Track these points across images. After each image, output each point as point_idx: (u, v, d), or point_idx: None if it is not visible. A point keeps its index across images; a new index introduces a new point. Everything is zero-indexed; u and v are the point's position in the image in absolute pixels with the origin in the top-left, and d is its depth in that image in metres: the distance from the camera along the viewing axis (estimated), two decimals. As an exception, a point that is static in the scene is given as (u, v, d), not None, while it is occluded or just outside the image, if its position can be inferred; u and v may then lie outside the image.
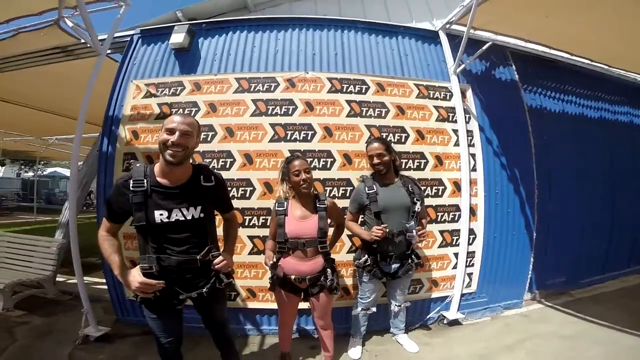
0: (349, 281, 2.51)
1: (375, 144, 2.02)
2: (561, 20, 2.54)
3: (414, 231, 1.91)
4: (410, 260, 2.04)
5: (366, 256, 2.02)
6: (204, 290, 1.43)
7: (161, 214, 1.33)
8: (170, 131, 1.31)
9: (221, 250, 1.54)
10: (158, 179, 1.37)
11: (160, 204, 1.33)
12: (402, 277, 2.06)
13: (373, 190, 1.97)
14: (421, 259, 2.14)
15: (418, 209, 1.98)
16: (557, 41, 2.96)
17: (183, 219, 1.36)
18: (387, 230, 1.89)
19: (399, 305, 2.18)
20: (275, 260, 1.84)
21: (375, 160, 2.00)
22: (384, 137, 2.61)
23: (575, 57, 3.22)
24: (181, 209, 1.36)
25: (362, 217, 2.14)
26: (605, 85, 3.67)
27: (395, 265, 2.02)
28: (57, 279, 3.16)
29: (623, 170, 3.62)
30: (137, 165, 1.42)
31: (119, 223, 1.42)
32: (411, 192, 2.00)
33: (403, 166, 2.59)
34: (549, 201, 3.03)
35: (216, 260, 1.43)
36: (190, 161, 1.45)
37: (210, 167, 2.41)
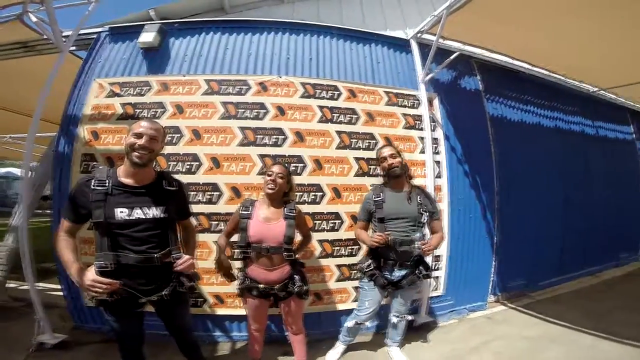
0: (320, 286, 2.50)
1: (385, 148, 2.04)
2: (525, 31, 2.68)
3: (417, 243, 1.88)
4: (417, 271, 1.96)
5: (370, 261, 1.99)
6: (164, 293, 1.43)
7: (122, 212, 1.36)
8: (138, 135, 1.38)
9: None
10: (121, 179, 1.41)
11: (121, 202, 1.37)
12: (405, 288, 1.98)
13: (380, 198, 1.97)
14: (430, 271, 2.04)
15: (425, 220, 1.95)
16: (520, 52, 3.12)
17: (144, 217, 1.39)
18: (390, 238, 1.87)
19: (399, 317, 2.09)
20: (241, 264, 1.83)
21: (390, 161, 1.96)
22: (353, 143, 2.66)
23: (535, 67, 3.41)
24: (142, 207, 1.39)
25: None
26: (561, 96, 3.90)
27: (399, 274, 1.95)
28: (9, 285, 2.97)
29: (575, 177, 3.85)
30: (100, 167, 1.49)
31: (78, 223, 1.42)
32: (420, 203, 1.96)
33: (371, 172, 2.64)
34: (508, 207, 3.17)
35: (179, 261, 1.44)
36: (154, 165, 1.50)
37: (175, 170, 2.42)
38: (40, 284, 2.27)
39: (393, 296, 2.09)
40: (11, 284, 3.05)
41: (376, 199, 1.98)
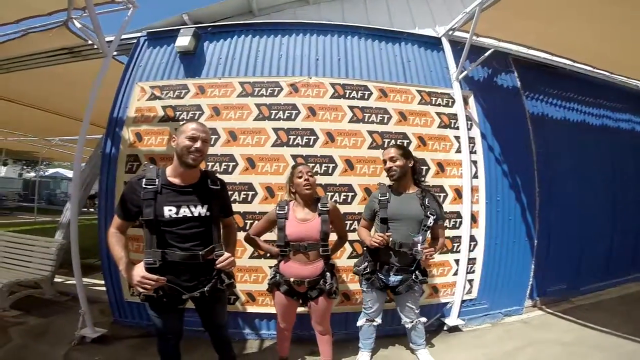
0: (349, 287, 2.50)
1: (391, 149, 1.96)
2: (564, 27, 2.57)
3: (419, 245, 1.79)
4: (414, 277, 1.90)
5: (366, 263, 1.97)
6: (206, 289, 1.47)
7: (170, 210, 1.41)
8: (193, 139, 1.44)
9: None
10: (170, 178, 1.48)
11: (169, 200, 1.42)
12: (404, 294, 1.92)
13: (385, 197, 1.93)
14: (427, 277, 1.98)
15: (430, 223, 1.86)
16: (559, 48, 2.98)
17: (190, 215, 1.44)
18: (390, 239, 1.83)
19: (410, 322, 2.03)
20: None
21: (388, 164, 1.92)
22: (386, 143, 2.63)
23: (577, 64, 3.24)
24: (189, 205, 1.44)
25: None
26: (607, 93, 3.68)
27: (395, 279, 1.90)
28: (55, 279, 3.16)
29: (625, 178, 3.63)
30: (150, 167, 1.52)
31: (130, 221, 1.48)
32: (426, 206, 1.87)
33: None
34: (550, 208, 3.03)
35: (221, 258, 1.48)
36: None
37: (213, 170, 2.49)
38: (84, 279, 2.38)
39: (397, 302, 2.05)
40: (58, 279, 3.25)
41: (381, 199, 1.93)
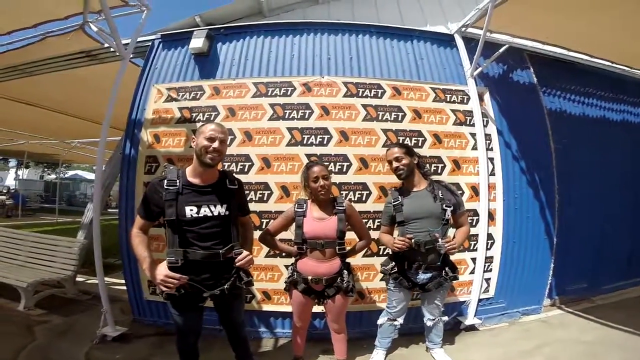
0: (364, 285, 2.50)
1: (394, 149, 1.96)
2: (580, 21, 2.51)
3: (440, 240, 1.79)
4: (444, 273, 1.89)
5: (393, 263, 1.95)
6: (226, 286, 1.49)
7: (191, 209, 1.44)
8: (211, 139, 1.47)
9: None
10: (190, 179, 1.51)
11: (190, 200, 1.45)
12: (433, 291, 1.92)
13: (398, 201, 1.92)
14: (457, 272, 1.96)
15: (448, 215, 1.86)
16: (576, 43, 2.91)
17: (211, 214, 1.47)
18: (413, 241, 1.81)
19: (433, 319, 2.03)
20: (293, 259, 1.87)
21: (395, 164, 1.93)
22: (402, 141, 2.60)
23: (595, 58, 3.16)
24: (209, 205, 1.47)
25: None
26: (627, 87, 3.58)
27: (425, 276, 1.89)
28: (77, 279, 3.24)
29: None
30: (171, 168, 1.56)
31: (151, 221, 1.52)
32: (441, 198, 1.86)
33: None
34: (569, 206, 2.97)
35: (240, 256, 1.50)
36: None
37: (229, 170, 2.51)
38: (105, 278, 2.44)
39: (423, 299, 2.04)
40: (79, 278, 3.34)
41: (395, 203, 1.92)
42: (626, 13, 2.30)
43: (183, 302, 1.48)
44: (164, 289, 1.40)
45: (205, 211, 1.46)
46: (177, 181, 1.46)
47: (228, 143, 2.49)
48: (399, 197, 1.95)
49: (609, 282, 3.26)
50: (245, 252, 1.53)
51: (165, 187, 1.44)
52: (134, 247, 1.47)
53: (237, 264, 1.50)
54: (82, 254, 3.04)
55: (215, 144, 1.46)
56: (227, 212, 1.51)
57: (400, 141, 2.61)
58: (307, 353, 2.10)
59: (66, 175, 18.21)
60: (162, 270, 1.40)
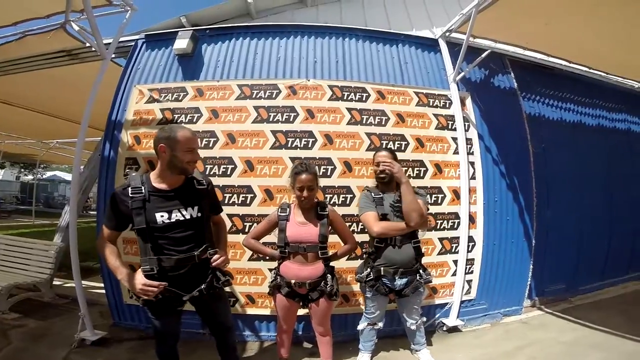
0: (349, 288, 2.50)
1: (383, 152, 1.99)
2: (560, 28, 2.58)
3: (419, 234, 1.89)
4: (418, 276, 1.93)
5: (368, 270, 1.94)
6: (203, 287, 1.48)
7: (162, 216, 1.41)
8: (193, 151, 1.47)
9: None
10: (155, 184, 1.47)
11: (160, 206, 1.42)
12: (410, 296, 1.93)
13: (379, 196, 1.94)
14: (431, 275, 2.01)
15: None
16: (555, 49, 2.99)
17: (183, 218, 1.45)
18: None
19: (415, 322, 2.04)
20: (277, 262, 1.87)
21: (382, 167, 1.92)
22: (385, 145, 2.64)
23: (573, 64, 3.26)
24: (180, 209, 1.45)
25: None
26: (603, 93, 3.71)
27: (401, 282, 1.90)
28: (54, 282, 3.15)
29: (621, 178, 3.65)
30: (133, 174, 1.53)
31: (119, 230, 1.49)
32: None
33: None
34: (547, 208, 3.05)
35: (215, 257, 1.51)
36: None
37: (211, 172, 2.49)
38: (83, 282, 2.39)
39: (400, 306, 2.04)
40: (56, 282, 3.25)
41: (375, 197, 1.94)
42: (603, 20, 2.38)
43: (161, 307, 1.46)
44: (144, 297, 1.38)
45: (177, 216, 1.43)
46: (142, 188, 1.42)
47: (210, 145, 2.57)
48: (380, 192, 1.97)
49: (586, 283, 3.36)
50: (220, 252, 1.54)
51: (131, 195, 1.39)
52: (104, 258, 1.44)
53: (212, 265, 1.50)
54: (58, 257, 2.96)
55: (196, 156, 1.49)
56: (199, 214, 1.49)
57: (384, 145, 2.64)
58: (292, 356, 2.09)
59: (44, 176, 17.65)
60: (140, 279, 1.38)
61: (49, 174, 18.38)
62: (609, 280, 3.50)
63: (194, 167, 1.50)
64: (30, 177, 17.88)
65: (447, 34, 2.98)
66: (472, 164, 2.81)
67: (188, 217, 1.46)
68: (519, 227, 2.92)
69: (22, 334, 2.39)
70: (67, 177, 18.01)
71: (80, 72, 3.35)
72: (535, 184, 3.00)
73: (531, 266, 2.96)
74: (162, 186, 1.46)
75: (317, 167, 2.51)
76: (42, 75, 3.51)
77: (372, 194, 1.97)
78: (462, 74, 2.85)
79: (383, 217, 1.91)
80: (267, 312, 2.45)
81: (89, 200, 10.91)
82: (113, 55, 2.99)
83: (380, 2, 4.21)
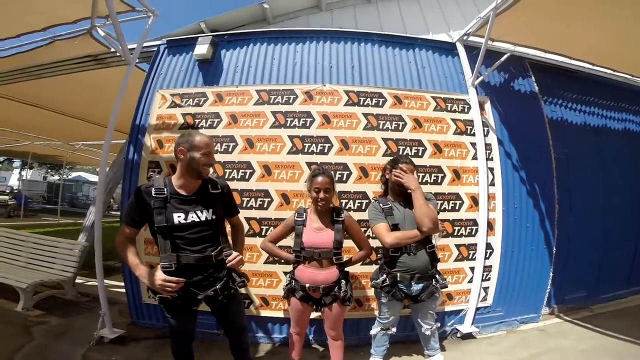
0: (362, 293, 2.50)
1: (405, 165, 1.92)
2: (581, 30, 2.52)
3: (433, 241, 1.89)
4: (434, 282, 1.91)
5: (384, 276, 1.92)
6: (218, 287, 1.52)
7: (179, 216, 1.49)
8: (208, 155, 1.53)
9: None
10: (176, 187, 1.55)
11: (178, 207, 1.50)
12: (426, 301, 1.91)
13: (388, 206, 1.92)
14: (446, 280, 1.99)
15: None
16: (577, 51, 2.93)
17: (198, 219, 1.52)
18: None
19: (430, 328, 1.99)
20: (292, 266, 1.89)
21: (393, 179, 1.90)
22: (402, 150, 2.63)
23: (597, 67, 3.17)
24: (196, 211, 1.52)
25: None
26: (629, 96, 3.59)
27: (417, 287, 1.88)
28: (76, 280, 3.25)
29: None
30: (157, 177, 1.63)
31: (137, 228, 1.55)
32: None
33: (420, 180, 2.58)
34: (570, 215, 2.97)
35: (230, 257, 1.56)
36: (212, 172, 1.71)
37: (230, 177, 2.54)
38: (105, 281, 2.48)
39: (415, 311, 2.01)
40: (79, 280, 3.36)
41: (384, 207, 1.91)
42: (625, 20, 2.31)
43: (177, 306, 1.51)
44: (163, 293, 1.43)
45: (192, 217, 1.51)
46: (165, 189, 1.50)
47: (229, 150, 2.63)
48: (388, 202, 1.94)
49: (608, 291, 3.25)
50: (235, 253, 1.58)
51: (154, 195, 1.47)
52: (123, 257, 1.50)
53: (227, 265, 1.55)
54: (82, 256, 3.07)
55: (212, 159, 1.55)
56: (213, 217, 1.56)
57: (401, 151, 2.63)
58: (303, 359, 2.09)
59: (69, 177, 18.29)
60: (160, 275, 1.43)
61: (73, 174, 19.06)
62: (632, 289, 3.37)
63: (208, 171, 1.56)
64: (56, 177, 18.53)
65: (465, 37, 2.96)
66: (492, 169, 2.76)
67: (203, 218, 1.53)
68: (540, 233, 2.86)
69: (44, 331, 2.48)
70: (91, 177, 18.65)
71: (106, 77, 3.47)
72: (557, 190, 2.92)
73: (551, 273, 2.89)
74: (181, 191, 1.54)
75: (333, 172, 2.54)
76: (70, 79, 3.66)
77: (381, 205, 1.95)
78: (481, 77, 2.81)
79: (394, 227, 1.88)
80: (280, 314, 2.48)
81: (111, 201, 11.26)
82: (137, 60, 3.10)
83: (395, 6, 4.20)
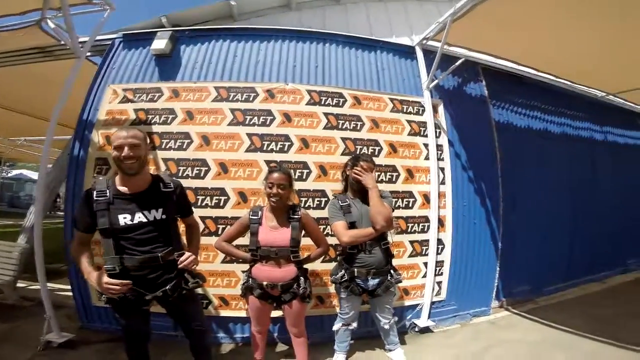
0: (323, 290, 2.53)
1: (367, 160, 2.01)
2: (530, 37, 2.69)
3: (388, 238, 1.95)
4: (389, 277, 1.98)
5: (342, 272, 1.98)
6: (167, 288, 1.49)
7: (125, 217, 1.45)
8: (119, 148, 1.42)
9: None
10: (119, 187, 1.50)
11: (123, 208, 1.45)
12: (382, 295, 1.98)
13: (346, 203, 1.97)
14: (401, 275, 2.06)
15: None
16: (525, 57, 3.11)
17: (146, 220, 1.47)
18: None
19: (388, 322, 2.09)
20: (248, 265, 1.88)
21: (352, 176, 1.97)
22: (359, 150, 2.70)
23: (541, 72, 3.40)
24: (143, 211, 1.47)
25: None
26: (568, 101, 3.90)
27: (374, 282, 1.95)
28: (19, 284, 3.04)
29: (583, 184, 3.84)
30: (100, 178, 1.54)
31: (89, 233, 1.51)
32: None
33: (376, 178, 2.66)
34: (513, 213, 3.18)
35: (182, 258, 1.51)
36: (164, 169, 1.60)
37: (184, 174, 2.48)
38: (49, 284, 2.35)
39: (373, 305, 2.09)
40: (21, 284, 3.13)
41: (342, 204, 1.97)
42: (569, 31, 2.50)
43: (125, 306, 1.47)
44: (110, 294, 1.40)
45: (140, 217, 1.46)
46: (107, 191, 1.46)
47: (184, 147, 2.55)
48: (347, 200, 2.00)
49: (550, 284, 3.51)
50: (187, 254, 1.54)
51: (95, 198, 1.44)
52: (77, 263, 1.48)
53: (180, 266, 1.51)
54: (22, 259, 2.87)
55: (124, 152, 1.41)
56: (164, 216, 1.51)
57: (358, 150, 2.70)
58: (267, 358, 2.10)
59: (9, 175, 16.76)
60: (105, 278, 1.40)
61: (14, 172, 17.48)
62: (571, 282, 3.67)
63: (131, 166, 1.43)
64: (-7, 175, 16.88)
65: (424, 41, 3.06)
66: (442, 169, 2.91)
67: (151, 219, 1.48)
68: (486, 230, 3.04)
69: (-17, 336, 2.30)
70: (34, 176, 17.02)
71: (55, 70, 3.25)
72: (502, 189, 3.12)
73: (498, 268, 3.08)
74: (125, 189, 1.49)
75: (292, 170, 2.55)
76: (13, 71, 3.39)
77: (340, 202, 1.99)
78: (436, 81, 2.93)
79: (352, 225, 1.94)
80: (241, 314, 2.45)
81: (58, 201, 10.44)
82: (89, 54, 2.93)
83: (363, 9, 4.30)
